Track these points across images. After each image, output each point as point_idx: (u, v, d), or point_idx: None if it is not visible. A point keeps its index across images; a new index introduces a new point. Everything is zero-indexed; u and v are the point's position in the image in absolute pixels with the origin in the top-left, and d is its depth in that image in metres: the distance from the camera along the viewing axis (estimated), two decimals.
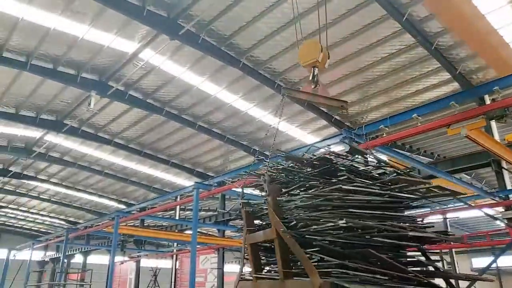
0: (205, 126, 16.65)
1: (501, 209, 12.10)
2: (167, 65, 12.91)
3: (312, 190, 3.59)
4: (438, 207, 14.82)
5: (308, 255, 3.21)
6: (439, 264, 3.64)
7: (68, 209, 30.07)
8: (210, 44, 11.74)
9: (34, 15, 10.72)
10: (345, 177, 3.55)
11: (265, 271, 4.02)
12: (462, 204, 13.03)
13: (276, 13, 10.56)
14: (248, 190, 4.76)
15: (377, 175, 3.73)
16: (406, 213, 3.64)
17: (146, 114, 16.04)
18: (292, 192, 3.85)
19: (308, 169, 3.94)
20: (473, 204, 12.72)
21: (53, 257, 28.93)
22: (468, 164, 12.44)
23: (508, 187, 11.78)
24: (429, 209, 14.48)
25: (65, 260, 23.13)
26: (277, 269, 3.58)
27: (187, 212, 25.36)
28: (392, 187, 3.44)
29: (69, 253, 26.85)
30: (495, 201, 12.02)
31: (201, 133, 16.93)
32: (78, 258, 29.09)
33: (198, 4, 10.50)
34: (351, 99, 14.02)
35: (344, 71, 12.65)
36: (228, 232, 19.78)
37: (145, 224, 23.27)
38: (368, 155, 4.22)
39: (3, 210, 30.85)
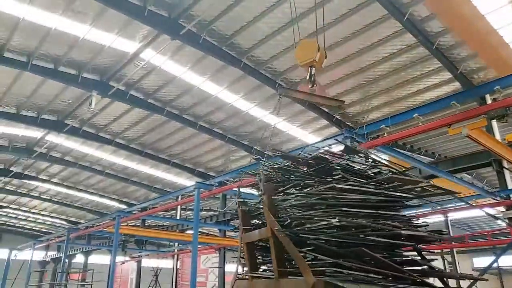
0: (206, 126, 16.65)
1: (502, 208, 12.11)
2: (168, 65, 12.92)
3: (307, 189, 3.60)
4: (439, 207, 14.82)
5: (302, 254, 3.21)
6: (435, 264, 3.62)
7: (69, 209, 30.09)
8: (211, 44, 11.75)
9: (35, 15, 10.73)
10: (340, 176, 3.55)
11: (261, 270, 4.03)
12: (463, 203, 13.03)
13: (277, 13, 10.56)
14: (247, 190, 4.77)
15: (372, 174, 3.73)
16: (406, 213, 3.63)
17: (147, 114, 16.05)
18: (287, 191, 3.86)
19: (304, 168, 3.95)
20: (474, 204, 12.71)
21: (54, 257, 29.01)
22: (469, 164, 12.43)
23: (509, 187, 11.76)
24: (430, 208, 14.48)
25: (66, 260, 23.17)
26: (272, 268, 3.58)
27: (188, 212, 25.36)
28: (386, 186, 3.45)
29: (70, 253, 26.90)
30: (496, 201, 12.02)
31: (202, 133, 16.93)
32: (79, 258, 29.17)
33: (199, 4, 10.50)
34: (352, 99, 14.03)
35: (345, 70, 12.65)
36: (229, 232, 19.78)
37: (146, 224, 23.30)
38: (363, 155, 4.23)
39: (4, 210, 30.89)
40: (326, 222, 3.17)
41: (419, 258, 3.52)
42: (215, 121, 16.50)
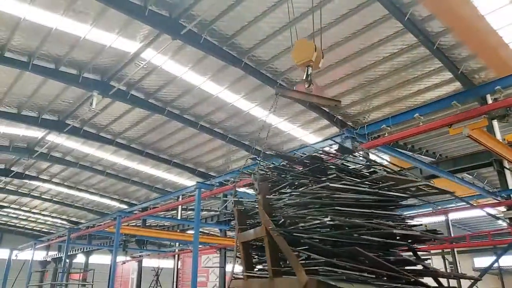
0: (207, 126, 16.66)
1: (503, 208, 12.10)
2: (169, 65, 12.92)
3: (302, 189, 3.60)
4: (440, 207, 14.81)
5: (296, 253, 3.21)
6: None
7: (70, 209, 30.11)
8: (212, 44, 11.74)
9: (36, 15, 10.75)
10: (334, 175, 3.56)
11: (257, 269, 4.03)
12: (464, 204, 13.02)
13: (278, 13, 10.54)
14: (246, 190, 4.78)
15: (367, 173, 3.73)
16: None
17: (148, 114, 16.06)
18: (282, 191, 3.86)
19: (299, 168, 3.96)
20: (475, 204, 12.70)
21: (55, 257, 29.04)
22: (470, 164, 12.43)
23: (510, 187, 11.76)
24: (430, 209, 14.47)
25: (67, 260, 23.15)
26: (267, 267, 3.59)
27: (189, 212, 25.38)
28: (381, 185, 3.45)
29: (71, 253, 26.94)
30: (497, 201, 12.01)
31: (203, 133, 16.93)
32: (80, 258, 29.20)
33: (200, 4, 10.50)
34: (353, 99, 14.04)
35: (346, 70, 12.64)
36: (230, 232, 19.78)
37: (147, 224, 23.29)
38: (358, 154, 4.24)
39: (5, 210, 30.92)
40: (319, 221, 3.18)
41: (413, 257, 3.52)
42: (216, 121, 16.50)
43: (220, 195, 17.90)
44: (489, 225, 25.49)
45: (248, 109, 15.16)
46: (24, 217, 33.29)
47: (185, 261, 23.00)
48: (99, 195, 26.40)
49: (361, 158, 4.21)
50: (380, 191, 3.36)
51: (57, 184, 24.82)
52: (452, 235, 16.10)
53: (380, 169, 3.72)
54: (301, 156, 3.93)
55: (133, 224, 20.60)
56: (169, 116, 15.69)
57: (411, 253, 3.59)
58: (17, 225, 36.30)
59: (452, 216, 17.10)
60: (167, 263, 27.74)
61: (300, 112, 15.13)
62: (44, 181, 24.19)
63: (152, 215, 18.81)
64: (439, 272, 3.45)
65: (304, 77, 5.38)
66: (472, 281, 9.39)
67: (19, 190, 26.58)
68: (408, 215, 3.62)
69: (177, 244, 23.79)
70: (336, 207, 3.18)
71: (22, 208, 30.69)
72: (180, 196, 18.23)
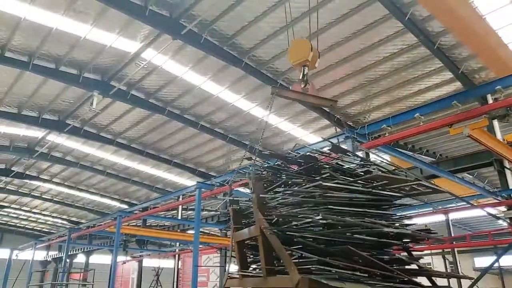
0: (207, 126, 16.65)
1: (503, 208, 12.11)
2: (169, 64, 12.92)
3: (296, 188, 3.61)
4: (440, 207, 14.82)
5: (289, 252, 3.21)
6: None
7: (71, 209, 30.13)
8: (212, 44, 11.74)
9: (36, 15, 10.75)
10: (328, 174, 3.56)
11: (252, 268, 4.04)
12: (464, 203, 13.03)
13: (278, 13, 10.53)
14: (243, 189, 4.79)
15: (362, 173, 3.73)
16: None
17: (148, 114, 16.06)
18: (277, 190, 3.87)
19: (293, 167, 3.97)
20: (475, 204, 12.71)
21: (55, 257, 29.07)
22: (470, 164, 12.44)
23: (511, 187, 11.76)
24: (430, 209, 14.48)
25: (68, 260, 23.20)
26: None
27: (189, 212, 25.37)
28: (374, 184, 3.45)
29: (72, 253, 26.96)
30: (498, 201, 12.02)
31: (203, 133, 16.93)
32: (80, 258, 29.23)
33: (200, 4, 10.50)
34: (353, 99, 14.03)
35: (346, 70, 12.64)
36: (228, 232, 19.80)
37: (147, 224, 23.32)
38: (352, 154, 4.24)
39: (5, 210, 30.95)
40: (311, 220, 3.19)
41: (407, 256, 3.53)
42: (216, 121, 16.50)
43: (220, 195, 17.93)
44: (489, 225, 25.48)
45: (248, 109, 15.16)
46: (24, 217, 33.32)
47: (186, 261, 23.02)
48: (99, 195, 26.41)
49: (355, 157, 4.22)
50: (373, 190, 3.36)
51: (57, 184, 24.83)
52: (453, 235, 16.09)
53: (374, 169, 3.73)
54: (295, 156, 3.95)
55: (133, 224, 20.62)
56: (170, 116, 15.69)
57: (406, 253, 3.60)
58: (18, 225, 36.32)
59: (453, 216, 17.08)
60: (168, 263, 27.77)
61: (300, 112, 15.13)
62: (45, 181, 24.20)
63: (153, 215, 18.84)
64: (431, 272, 3.46)
65: (300, 77, 5.39)
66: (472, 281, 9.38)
67: (19, 190, 26.59)
68: (408, 215, 3.62)
69: (177, 244, 23.80)
70: (329, 206, 3.19)
71: (22, 208, 30.72)
72: (181, 196, 18.25)
